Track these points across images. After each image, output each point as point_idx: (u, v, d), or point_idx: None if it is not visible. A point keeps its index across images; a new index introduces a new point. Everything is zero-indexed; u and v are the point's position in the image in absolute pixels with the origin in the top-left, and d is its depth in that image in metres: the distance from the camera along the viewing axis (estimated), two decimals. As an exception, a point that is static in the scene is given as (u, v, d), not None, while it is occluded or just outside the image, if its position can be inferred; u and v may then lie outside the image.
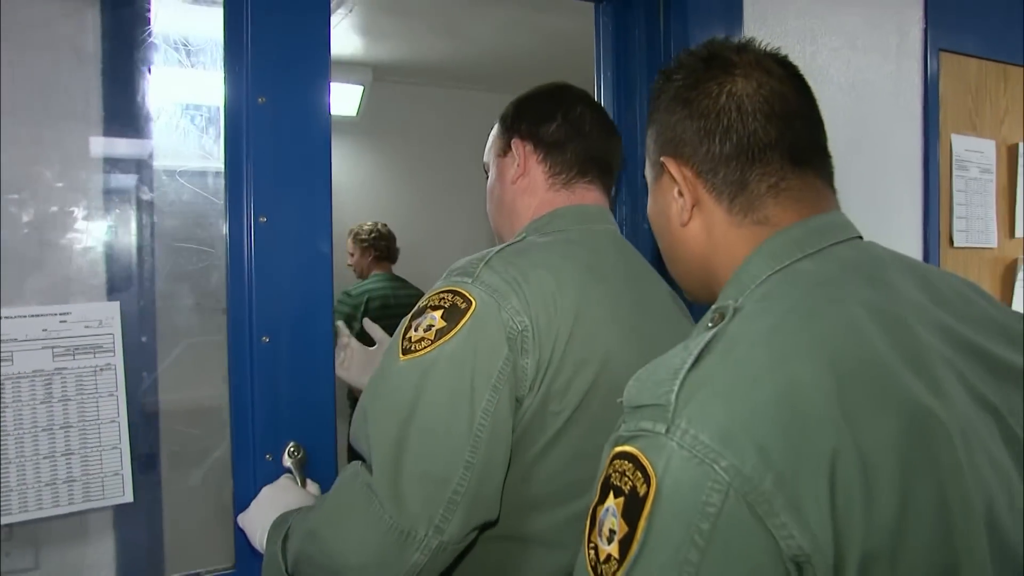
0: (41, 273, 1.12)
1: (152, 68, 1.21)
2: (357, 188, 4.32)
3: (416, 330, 0.93)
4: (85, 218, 1.15)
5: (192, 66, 1.24)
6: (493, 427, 0.90)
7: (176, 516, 1.25)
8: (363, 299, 3.58)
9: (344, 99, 3.95)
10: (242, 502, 1.16)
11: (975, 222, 2.02)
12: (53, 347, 1.05)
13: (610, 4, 1.67)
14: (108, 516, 1.18)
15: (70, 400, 1.06)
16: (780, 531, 0.55)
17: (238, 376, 1.18)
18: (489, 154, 1.19)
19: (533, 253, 1.00)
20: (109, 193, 1.17)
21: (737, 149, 0.77)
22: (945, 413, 0.62)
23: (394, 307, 3.50)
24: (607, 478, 0.62)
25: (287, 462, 1.18)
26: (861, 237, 0.79)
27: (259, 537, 1.06)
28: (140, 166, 1.22)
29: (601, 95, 1.71)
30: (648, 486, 0.58)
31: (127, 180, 1.21)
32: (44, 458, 1.04)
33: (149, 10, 1.21)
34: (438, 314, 0.93)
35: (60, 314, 1.06)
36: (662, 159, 0.81)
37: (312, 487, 1.19)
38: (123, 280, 1.19)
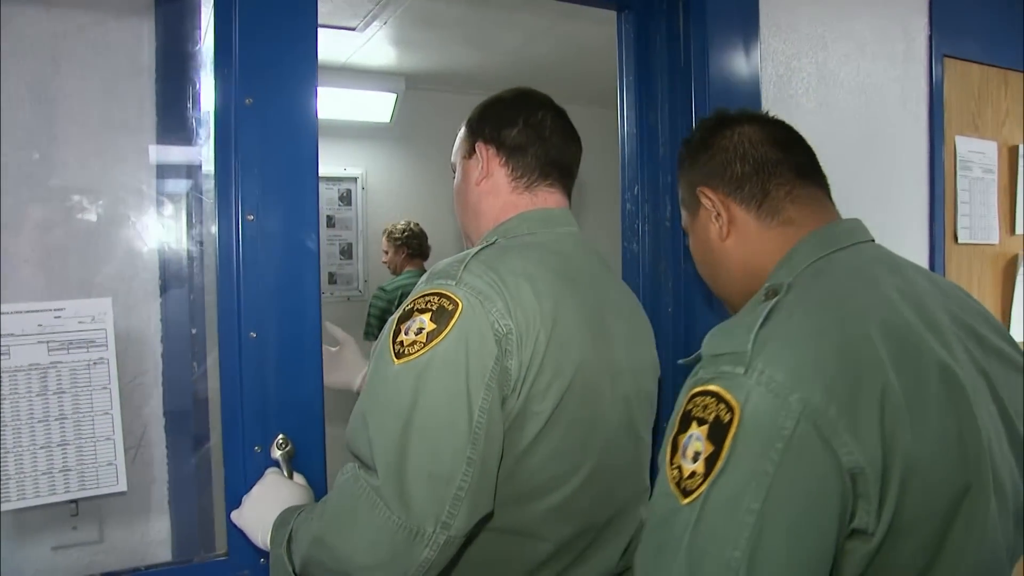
0: (95, 269, 1.19)
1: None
2: (391, 190, 4.40)
3: (407, 333, 0.94)
4: (139, 218, 1.22)
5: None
6: (489, 424, 0.92)
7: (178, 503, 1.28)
8: (397, 294, 3.71)
9: (378, 106, 4.04)
10: (232, 492, 1.17)
11: (978, 220, 2.05)
12: (48, 342, 1.06)
13: (632, 12, 1.69)
14: (164, 495, 1.24)
15: (64, 393, 1.07)
16: (842, 448, 0.70)
17: (227, 370, 1.19)
18: (456, 156, 1.23)
19: (510, 259, 1.02)
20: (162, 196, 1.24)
21: (754, 168, 0.98)
22: (960, 371, 0.80)
23: (426, 302, 3.61)
24: (687, 412, 0.76)
25: (275, 454, 1.18)
26: (874, 240, 0.98)
27: (261, 537, 1.08)
28: (191, 171, 1.27)
29: (624, 99, 1.73)
30: (731, 415, 0.71)
31: (179, 184, 1.27)
32: (40, 448, 1.06)
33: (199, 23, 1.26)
34: (426, 317, 0.94)
35: (55, 310, 1.07)
36: (698, 190, 1.02)
37: (299, 479, 1.19)
38: (174, 276, 1.24)
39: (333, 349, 1.44)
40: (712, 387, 0.74)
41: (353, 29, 3.18)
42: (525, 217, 1.14)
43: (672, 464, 0.75)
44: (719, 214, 1.00)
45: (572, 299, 1.04)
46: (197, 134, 1.28)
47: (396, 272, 3.90)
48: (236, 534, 1.16)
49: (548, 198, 1.17)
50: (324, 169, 4.95)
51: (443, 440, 0.90)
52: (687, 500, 0.71)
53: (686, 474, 0.73)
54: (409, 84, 3.96)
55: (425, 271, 3.81)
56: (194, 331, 1.27)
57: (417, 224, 3.91)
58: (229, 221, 1.19)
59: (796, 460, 0.69)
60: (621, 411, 1.10)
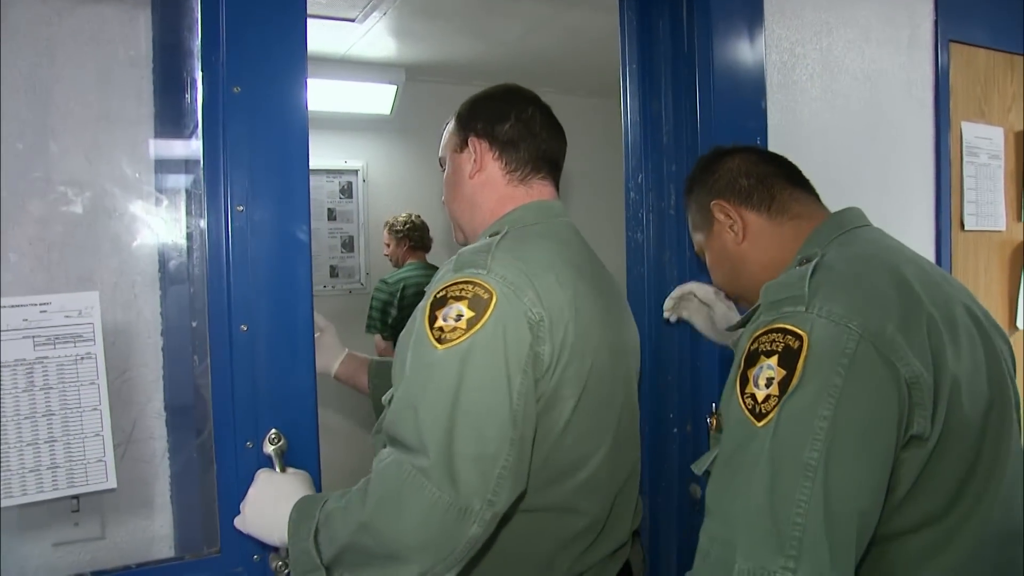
0: (100, 261, 1.17)
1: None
2: (392, 182, 4.39)
3: (446, 320, 0.98)
4: (140, 211, 1.20)
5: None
6: (525, 406, 0.97)
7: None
8: (399, 287, 3.69)
9: (378, 98, 4.00)
10: (224, 489, 1.16)
11: (984, 206, 2.04)
12: (34, 336, 1.04)
13: None
14: (166, 491, 1.23)
15: (52, 388, 1.05)
16: (900, 361, 0.83)
17: (218, 364, 1.17)
18: (445, 149, 1.27)
19: (531, 249, 1.07)
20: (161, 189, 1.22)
21: (758, 180, 1.15)
22: (978, 310, 0.99)
23: (428, 294, 3.61)
24: (754, 351, 0.87)
25: (268, 449, 1.17)
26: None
27: (278, 535, 1.07)
28: (188, 163, 1.25)
29: (627, 87, 1.73)
30: (800, 342, 0.84)
31: (176, 176, 1.25)
32: (28, 445, 1.04)
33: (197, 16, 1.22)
34: (463, 304, 0.98)
35: (40, 304, 1.05)
36: (712, 204, 1.16)
37: (291, 471, 1.16)
38: (173, 269, 1.22)
39: (316, 335, 1.42)
40: (778, 324, 0.87)
41: (352, 20, 3.15)
42: (528, 208, 1.19)
43: (744, 394, 0.86)
44: (734, 222, 1.14)
45: (584, 287, 1.10)
46: (195, 125, 1.25)
47: (398, 265, 3.88)
48: (230, 531, 1.15)
49: (543, 190, 1.22)
50: (325, 162, 4.92)
51: (488, 421, 0.95)
52: (763, 422, 0.82)
53: (760, 399, 0.84)
54: (409, 75, 3.94)
55: (427, 263, 3.84)
56: (195, 324, 1.25)
57: (419, 216, 3.89)
58: (218, 212, 1.17)
59: (861, 372, 0.82)
60: (624, 388, 1.19)
